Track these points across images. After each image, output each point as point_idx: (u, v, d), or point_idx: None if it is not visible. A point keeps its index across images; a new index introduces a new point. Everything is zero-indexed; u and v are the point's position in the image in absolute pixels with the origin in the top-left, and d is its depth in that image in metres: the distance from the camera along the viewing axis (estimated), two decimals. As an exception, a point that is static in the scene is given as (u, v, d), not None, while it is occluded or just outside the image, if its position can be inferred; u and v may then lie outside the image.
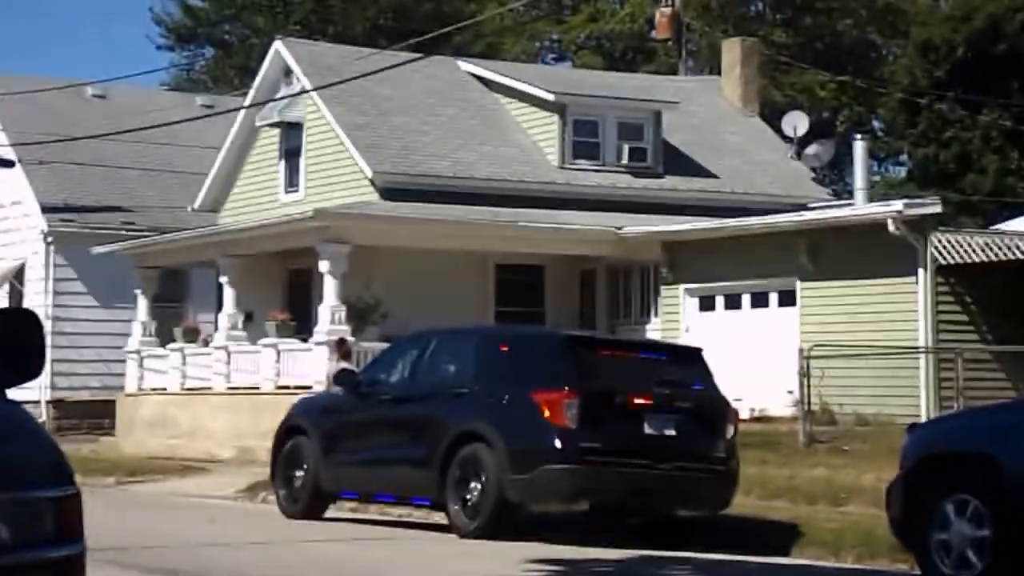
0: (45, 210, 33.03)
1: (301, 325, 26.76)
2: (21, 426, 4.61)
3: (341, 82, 27.72)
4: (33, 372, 4.89)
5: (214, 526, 14.41)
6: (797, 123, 32.62)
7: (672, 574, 11.26)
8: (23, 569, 4.30)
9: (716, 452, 14.10)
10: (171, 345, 29.12)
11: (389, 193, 27.84)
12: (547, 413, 13.48)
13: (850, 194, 33.99)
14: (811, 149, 32.31)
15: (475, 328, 18.33)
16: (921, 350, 21.86)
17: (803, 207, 28.37)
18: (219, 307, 29.15)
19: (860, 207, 25.57)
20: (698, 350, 15.20)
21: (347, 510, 17.66)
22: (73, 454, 24.68)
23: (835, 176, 47.60)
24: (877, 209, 23.46)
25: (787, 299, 24.54)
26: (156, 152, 35.62)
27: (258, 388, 26.60)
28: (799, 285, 24.22)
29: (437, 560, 11.48)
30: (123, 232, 32.68)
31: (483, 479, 13.72)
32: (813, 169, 32.64)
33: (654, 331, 26.90)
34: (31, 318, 4.97)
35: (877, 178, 45.78)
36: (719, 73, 34.48)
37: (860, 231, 23.16)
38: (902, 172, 47.88)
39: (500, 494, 13.58)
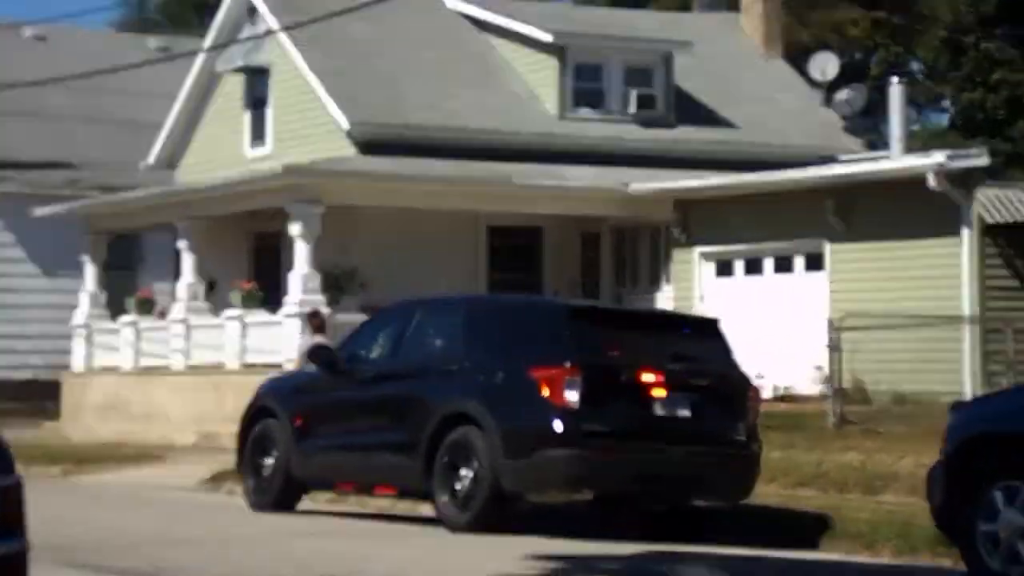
0: (-21, 167, 32.99)
1: (270, 295, 26.76)
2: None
3: (313, 21, 27.64)
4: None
5: (173, 521, 14.44)
6: (826, 65, 32.57)
7: (687, 571, 11.30)
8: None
9: (735, 435, 14.13)
10: (123, 318, 29.13)
11: (368, 147, 27.80)
12: (546, 392, 13.50)
13: (885, 145, 33.94)
14: (842, 95, 32.28)
15: (465, 297, 18.33)
16: (966, 319, 21.89)
17: (832, 160, 28.34)
18: (177, 275, 29.15)
19: (897, 159, 25.58)
20: (714, 321, 15.21)
21: (322, 502, 17.69)
22: (13, 440, 24.66)
23: (869, 125, 47.53)
24: (916, 161, 23.46)
25: (815, 263, 24.56)
26: (105, 101, 35.51)
27: (222, 366, 26.63)
28: (828, 247, 24.24)
29: (422, 557, 11.52)
30: (68, 192, 32.63)
31: (475, 466, 13.75)
32: (844, 117, 32.62)
33: (665, 300, 26.93)
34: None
35: (916, 127, 45.77)
36: (738, 10, 34.39)
37: (897, 186, 23.15)
38: (944, 120, 47.88)
39: (494, 482, 13.61)
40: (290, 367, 22.63)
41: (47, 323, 32.52)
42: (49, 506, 15.57)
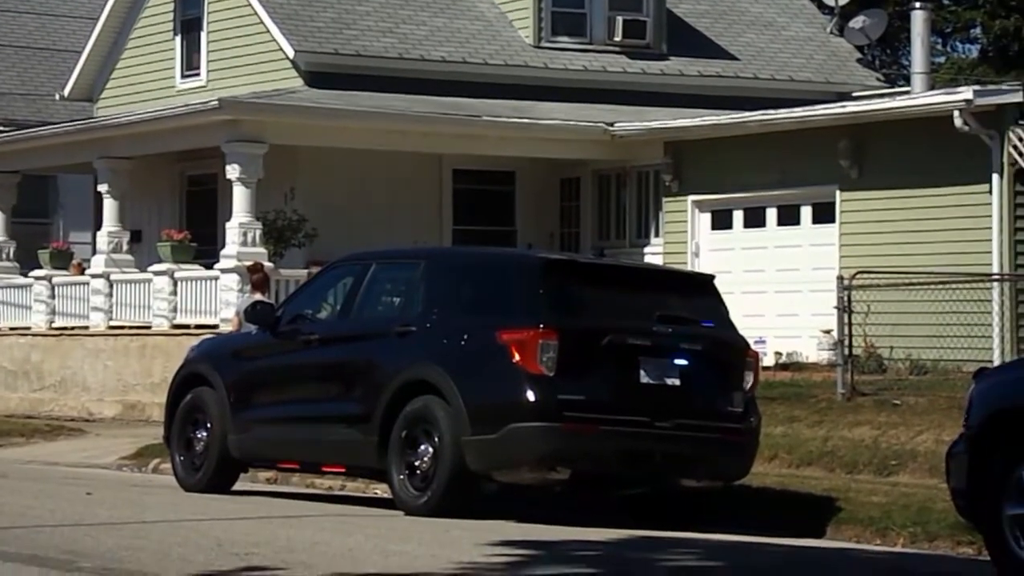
0: None
1: (204, 247, 26.71)
2: None
3: (253, -67, 27.50)
4: None
5: (91, 501, 14.45)
6: (839, -12, 32.53)
7: (675, 559, 11.36)
8: None
9: (731, 407, 14.19)
10: (35, 272, 29.04)
11: (316, 79, 27.72)
12: (517, 357, 13.52)
13: (906, 79, 34.01)
14: (856, 22, 32.27)
15: (425, 250, 18.32)
16: (995, 277, 21.98)
17: (846, 96, 28.37)
18: (97, 224, 29.05)
19: (918, 96, 25.61)
20: (709, 278, 15.25)
21: (263, 481, 17.72)
22: (-89, 412, 24.63)
23: (887, 57, 47.62)
24: (940, 98, 23.49)
25: (824, 214, 24.61)
26: (12, 23, 35.29)
27: (148, 327, 26.60)
28: (839, 196, 24.30)
29: (374, 543, 11.54)
30: (-28, 127, 32.42)
31: (436, 441, 13.78)
32: (859, 48, 32.62)
33: (654, 254, 26.98)
34: None
35: (941, 59, 45.83)
36: (740, -76, 34.30)
37: (918, 126, 23.19)
38: (973, 51, 47.93)
39: (457, 460, 13.65)
40: (227, 328, 22.62)
41: (-52, 277, 32.37)
42: (-51, 485, 15.54)
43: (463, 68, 28.66)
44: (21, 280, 29.39)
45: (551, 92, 28.68)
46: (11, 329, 29.42)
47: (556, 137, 27.08)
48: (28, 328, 28.99)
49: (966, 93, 22.68)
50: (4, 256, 29.82)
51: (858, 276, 20.98)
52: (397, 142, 26.46)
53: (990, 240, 22.38)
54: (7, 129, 31.11)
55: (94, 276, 27.69)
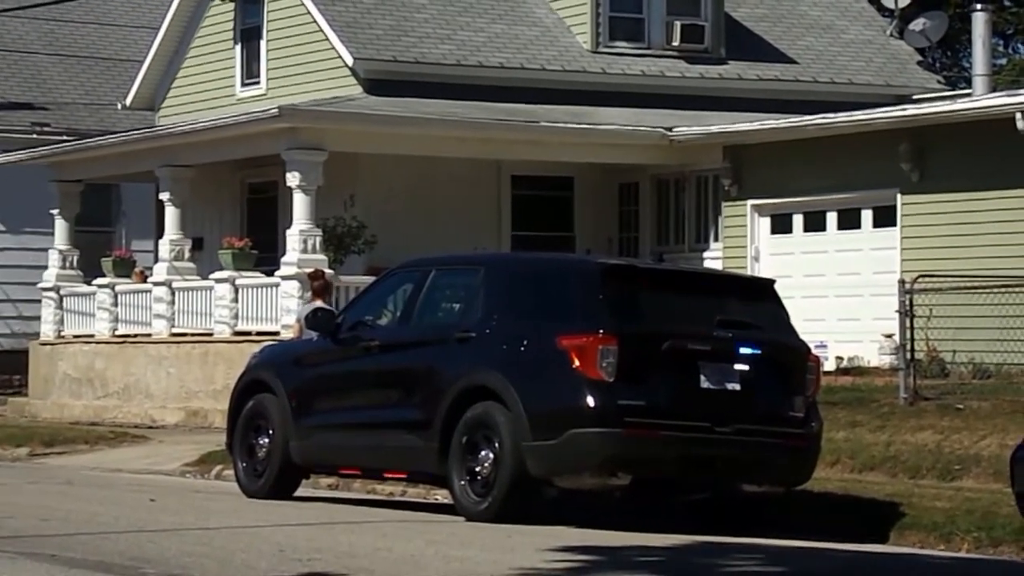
0: (-66, 109, 33.08)
1: (264, 255, 26.81)
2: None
3: (312, -58, 27.62)
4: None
5: (155, 508, 14.52)
6: (899, -10, 32.36)
7: (737, 565, 11.32)
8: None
9: (793, 412, 14.13)
10: (98, 280, 29.23)
11: (374, 86, 27.78)
12: (577, 363, 13.51)
13: (967, 82, 33.79)
14: (916, 24, 32.09)
15: (485, 256, 18.32)
16: (1058, 281, 21.79)
17: (906, 99, 28.20)
18: (159, 232, 29.21)
19: (980, 98, 25.45)
20: (769, 282, 15.19)
21: (324, 487, 17.76)
22: (-24, 419, 24.83)
23: (947, 59, 47.34)
24: (1002, 100, 23.34)
25: (885, 217, 24.50)
26: (75, 33, 35.55)
27: (210, 334, 26.72)
28: (900, 199, 24.18)
29: (435, 548, 11.55)
30: (35, 136, 32.70)
31: (496, 447, 13.78)
32: (919, 51, 32.43)
33: (713, 259, 26.91)
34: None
35: (1003, 61, 45.49)
36: (798, -73, 34.18)
37: (980, 129, 23.04)
38: (1034, 54, 47.52)
39: (518, 465, 13.64)
40: (288, 335, 22.69)
41: (11, 286, 32.64)
42: (11, 492, 15.68)
43: (521, 74, 28.68)
44: (85, 288, 29.58)
45: (609, 97, 28.66)
46: (75, 337, 29.62)
47: (614, 142, 27.06)
48: (92, 336, 29.18)
49: (1028, 95, 22.53)
50: (68, 264, 30.03)
51: (920, 280, 20.85)
52: (456, 148, 26.49)
53: (1053, 243, 22.21)
54: (71, 138, 31.34)
55: (156, 284, 27.84)
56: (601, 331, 13.53)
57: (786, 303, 14.82)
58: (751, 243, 26.26)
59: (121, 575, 9.89)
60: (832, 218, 25.38)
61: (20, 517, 12.94)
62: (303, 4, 28.77)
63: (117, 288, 28.88)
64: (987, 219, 22.96)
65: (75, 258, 30.06)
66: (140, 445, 23.28)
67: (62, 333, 29.92)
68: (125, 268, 29.33)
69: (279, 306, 25.28)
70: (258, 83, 30.36)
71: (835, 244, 25.25)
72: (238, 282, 26.31)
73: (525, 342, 13.93)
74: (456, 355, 14.32)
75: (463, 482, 14.00)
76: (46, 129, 33.21)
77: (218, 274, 26.64)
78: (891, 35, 32.13)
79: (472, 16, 29.35)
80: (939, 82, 32.30)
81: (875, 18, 32.78)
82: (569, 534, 12.88)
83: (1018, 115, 22.20)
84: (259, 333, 25.16)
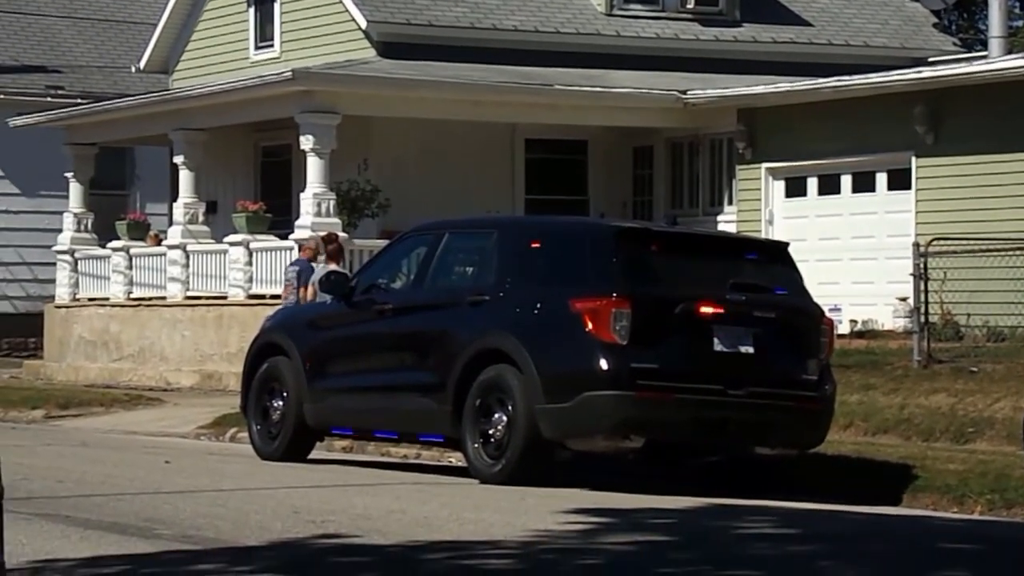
0: (-51, 73, 33.09)
1: (278, 218, 26.81)
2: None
3: (325, -96, 27.54)
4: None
5: (170, 470, 14.58)
6: (914, -47, 32.21)
7: (750, 528, 11.34)
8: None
9: (806, 375, 14.13)
10: (113, 243, 29.26)
11: (388, 49, 27.73)
12: (590, 326, 13.52)
13: (983, 44, 33.63)
14: (932, -13, 31.92)
15: (499, 219, 18.32)
16: (1072, 244, 21.75)
17: (921, 62, 28.08)
18: (173, 195, 29.23)
19: (996, 60, 25.34)
20: (783, 245, 15.18)
21: (339, 450, 17.82)
22: (-9, 382, 24.92)
23: (964, 22, 47.13)
24: (1018, 63, 23.25)
25: (900, 180, 24.44)
26: (90, -3, 35.46)
27: (224, 297, 26.76)
28: (915, 162, 24.12)
29: (449, 511, 11.59)
30: (49, 99, 32.71)
31: (509, 409, 13.81)
32: (935, 13, 32.29)
33: (727, 222, 26.87)
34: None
35: (1020, 23, 45.27)
36: None
37: (995, 91, 22.96)
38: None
39: (531, 428, 13.66)
40: (287, 300, 22.49)
41: (27, 249, 32.71)
42: (27, 454, 15.74)
43: (535, 37, 28.60)
44: (99, 251, 29.62)
45: (623, 60, 28.58)
46: (90, 300, 29.68)
47: (628, 105, 27.00)
48: (107, 299, 29.23)
49: (1044, 57, 22.43)
50: (82, 227, 30.06)
51: (934, 243, 20.82)
52: (470, 112, 26.45)
53: (1068, 206, 22.16)
54: (85, 101, 31.32)
55: (171, 247, 27.87)
56: (614, 294, 13.54)
57: (800, 266, 14.81)
58: (765, 206, 26.22)
59: (136, 535, 9.93)
60: (847, 181, 25.32)
61: (35, 479, 13.01)
62: (317, -33, 28.70)
63: (132, 251, 28.92)
64: (1002, 182, 22.89)
65: (90, 221, 30.09)
66: (155, 408, 23.35)
67: (77, 296, 29.98)
68: (139, 231, 29.37)
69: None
70: (272, 46, 30.32)
71: (850, 207, 25.20)
72: (252, 245, 26.32)
73: (538, 305, 13.94)
74: (469, 318, 14.33)
75: (476, 445, 14.03)
76: (60, 92, 33.22)
77: (232, 237, 26.65)
78: (907, -3, 31.95)
79: (486, -21, 29.22)
80: (955, 44, 32.16)
81: (890, -20, 32.59)
82: (582, 496, 12.91)
83: (1034, 78, 22.11)
84: (273, 296, 25.18)
